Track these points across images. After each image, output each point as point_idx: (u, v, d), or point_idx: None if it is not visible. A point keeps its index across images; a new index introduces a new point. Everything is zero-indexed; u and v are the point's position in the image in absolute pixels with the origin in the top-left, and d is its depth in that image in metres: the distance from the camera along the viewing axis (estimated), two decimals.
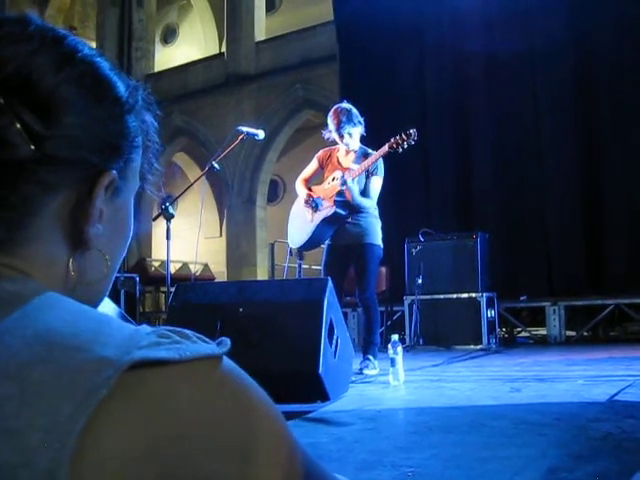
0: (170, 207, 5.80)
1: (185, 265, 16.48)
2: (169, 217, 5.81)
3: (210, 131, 18.34)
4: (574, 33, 9.52)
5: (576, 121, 9.54)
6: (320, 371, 3.86)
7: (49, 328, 0.55)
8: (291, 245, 6.04)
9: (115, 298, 10.97)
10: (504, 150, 9.91)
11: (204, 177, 19.97)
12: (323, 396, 3.95)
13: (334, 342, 4.13)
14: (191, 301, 4.28)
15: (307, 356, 3.88)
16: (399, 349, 4.94)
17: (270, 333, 3.98)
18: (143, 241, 19.53)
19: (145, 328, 0.57)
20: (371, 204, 5.66)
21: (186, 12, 23.07)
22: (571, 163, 9.48)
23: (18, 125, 0.61)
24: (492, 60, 9.96)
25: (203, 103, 18.40)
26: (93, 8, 21.26)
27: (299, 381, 3.92)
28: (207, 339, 0.58)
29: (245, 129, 5.66)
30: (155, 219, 6.00)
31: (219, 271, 18.20)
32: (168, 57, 22.37)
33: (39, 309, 0.57)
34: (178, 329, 0.58)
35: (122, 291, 10.99)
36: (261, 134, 5.69)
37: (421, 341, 8.16)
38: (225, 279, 17.98)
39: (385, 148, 5.57)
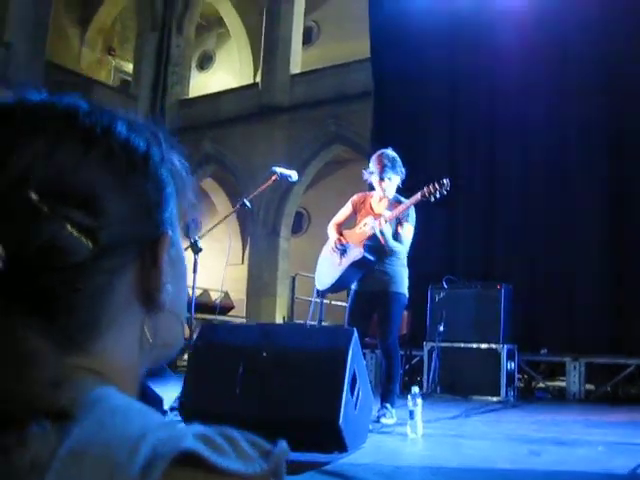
0: (199, 241, 5.84)
1: (206, 292, 16.52)
2: (197, 251, 5.84)
3: (240, 160, 18.47)
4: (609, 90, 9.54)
5: (606, 177, 9.52)
6: (340, 422, 3.84)
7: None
8: (318, 287, 6.05)
9: None
10: (531, 202, 9.89)
11: (229, 202, 19.98)
12: (341, 447, 3.94)
13: (356, 393, 4.11)
14: (215, 342, 4.29)
15: (328, 405, 3.87)
16: (419, 401, 4.92)
17: (292, 379, 3.97)
18: None
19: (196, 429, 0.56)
20: (402, 250, 5.67)
21: (223, 40, 23.36)
22: (599, 219, 9.43)
23: (69, 227, 0.59)
24: (524, 112, 9.99)
25: (234, 131, 18.53)
26: (132, 31, 21.58)
27: (318, 430, 3.90)
28: (262, 443, 0.58)
29: (279, 170, 5.70)
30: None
31: (238, 299, 18.21)
32: (203, 83, 22.61)
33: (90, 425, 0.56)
34: (228, 433, 0.57)
35: None
36: (294, 176, 5.72)
37: (438, 389, 8.10)
38: (244, 308, 18.00)
39: (417, 196, 5.58)
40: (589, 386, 8.77)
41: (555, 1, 10.02)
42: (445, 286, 8.48)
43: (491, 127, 10.44)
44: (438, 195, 5.56)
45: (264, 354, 4.07)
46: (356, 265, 5.74)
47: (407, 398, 4.92)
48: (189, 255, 5.88)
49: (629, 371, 8.44)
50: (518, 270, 9.60)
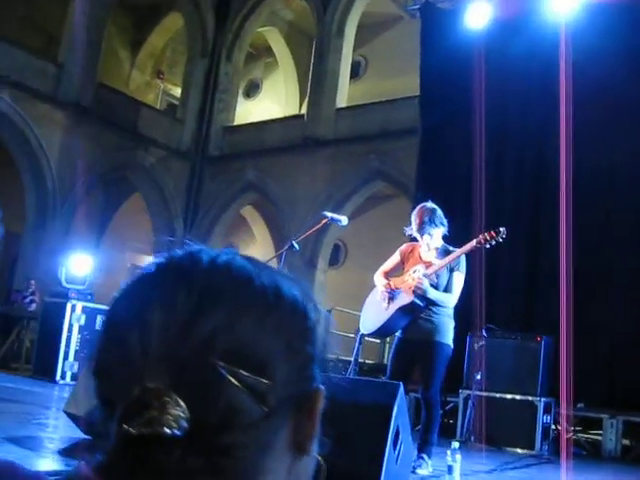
0: None
1: None
2: None
3: (281, 190, 18.58)
4: None
5: None
6: (382, 478, 3.83)
7: None
8: (362, 331, 6.06)
9: None
10: (574, 255, 9.80)
11: (267, 231, 20.09)
12: None
13: (398, 447, 4.10)
14: None
15: (370, 460, 3.87)
16: (458, 457, 4.88)
17: (335, 430, 3.96)
18: None
19: None
20: (451, 299, 5.64)
21: (271, 69, 23.61)
22: None
23: (247, 391, 0.63)
24: (573, 164, 9.94)
25: (277, 161, 18.67)
26: (182, 56, 21.91)
27: None
28: None
29: (330, 215, 5.74)
30: None
31: None
32: (248, 111, 22.86)
33: None
34: None
35: None
36: (344, 221, 5.76)
37: (472, 438, 8.03)
38: None
39: (472, 244, 5.56)
40: (625, 441, 8.63)
41: (610, 44, 9.93)
42: (485, 335, 8.43)
43: (537, 178, 10.41)
44: (494, 243, 5.54)
45: None
46: (403, 310, 5.72)
47: (446, 452, 4.89)
48: None
49: None
50: (557, 322, 9.50)
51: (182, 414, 0.62)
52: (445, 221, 5.80)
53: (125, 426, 0.63)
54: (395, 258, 6.04)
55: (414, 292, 5.64)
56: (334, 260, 20.39)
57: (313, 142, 18.23)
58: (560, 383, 8.52)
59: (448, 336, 5.73)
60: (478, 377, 8.08)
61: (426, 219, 5.68)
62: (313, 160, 18.08)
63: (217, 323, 0.65)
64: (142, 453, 0.63)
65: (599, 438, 8.78)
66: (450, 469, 4.86)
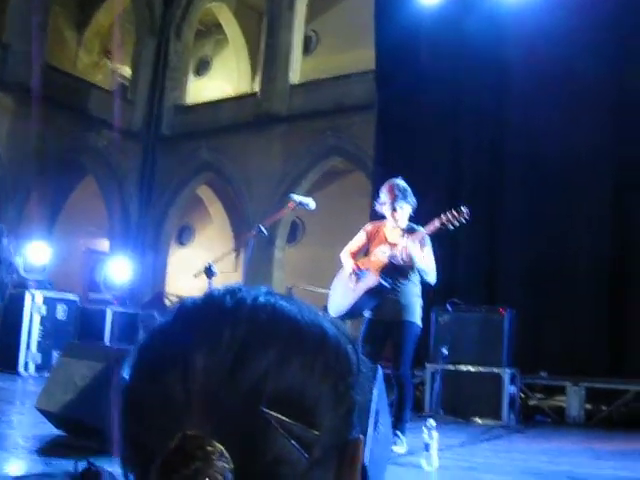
0: (213, 266, 5.84)
1: None
2: (211, 275, 5.85)
3: (237, 168, 18.47)
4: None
5: (609, 201, 9.60)
6: (367, 462, 3.85)
7: None
8: (331, 313, 6.05)
9: (134, 334, 10.98)
10: (532, 226, 9.94)
11: (224, 210, 19.97)
12: None
13: (378, 429, 4.13)
14: None
15: None
16: (434, 434, 4.95)
17: None
18: (158, 273, 19.58)
19: None
20: (432, 270, 5.65)
21: (221, 46, 23.31)
22: (600, 244, 9.51)
23: (294, 442, 0.60)
24: (530, 131, 10.04)
25: (232, 139, 18.53)
26: (130, 35, 21.51)
27: None
28: None
29: (298, 198, 5.69)
30: (197, 276, 6.02)
31: None
32: (199, 89, 22.57)
33: None
34: None
35: (141, 328, 11.00)
36: (312, 204, 5.71)
37: (441, 411, 8.13)
38: None
39: (435, 224, 5.57)
40: (587, 405, 8.82)
41: (563, 22, 10.00)
42: (449, 309, 8.51)
43: (495, 147, 10.49)
44: (457, 223, 5.55)
45: None
46: (371, 292, 5.75)
47: (422, 429, 4.95)
48: (203, 280, 5.89)
49: (630, 396, 8.50)
50: (518, 293, 9.65)
51: (227, 465, 0.58)
52: (414, 200, 5.82)
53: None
54: (361, 238, 6.04)
55: (380, 274, 5.67)
56: (292, 238, 20.37)
57: (267, 119, 18.12)
58: (523, 353, 8.69)
59: (417, 315, 5.78)
60: (444, 351, 8.17)
61: (399, 193, 5.69)
62: (268, 137, 17.98)
63: (264, 368, 0.61)
64: None
65: (561, 404, 8.97)
66: (427, 447, 4.92)
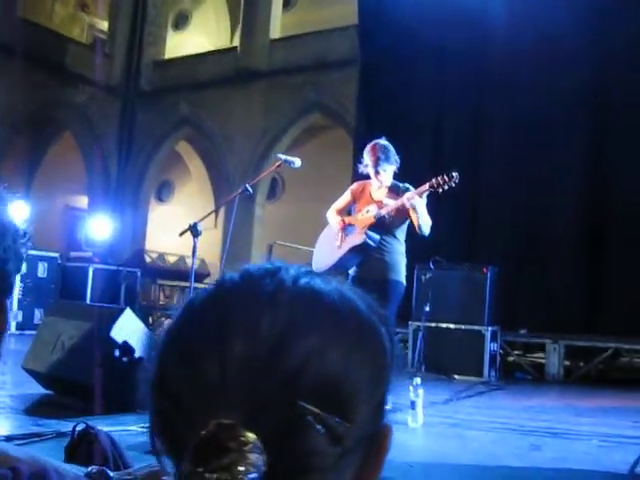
0: (198, 225, 5.82)
1: (182, 258, 16.47)
2: (197, 234, 5.83)
3: (216, 124, 18.32)
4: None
5: (587, 156, 9.66)
6: None
7: None
8: (315, 267, 6.06)
9: (116, 292, 10.97)
10: (514, 186, 9.98)
11: (204, 166, 19.78)
12: None
13: None
14: None
15: None
16: (420, 392, 5.01)
17: None
18: (138, 229, 19.48)
19: None
20: (428, 222, 5.62)
21: (200, 0, 22.93)
22: (577, 201, 9.60)
23: (323, 432, 0.59)
24: (512, 90, 10.02)
25: (211, 95, 18.34)
26: None
27: None
28: None
29: (283, 157, 5.68)
30: (182, 234, 6.00)
31: (211, 263, 18.16)
32: (178, 44, 22.24)
33: None
34: None
35: (123, 285, 10.97)
36: (298, 162, 5.70)
37: (423, 368, 8.23)
38: (218, 272, 17.95)
39: (426, 187, 5.58)
40: (566, 362, 8.96)
41: None
42: (431, 267, 8.56)
43: (478, 108, 10.47)
44: (446, 187, 5.56)
45: None
46: (356, 250, 5.76)
47: (409, 388, 5.01)
48: (189, 238, 5.87)
49: (608, 353, 8.64)
50: (498, 251, 9.72)
51: (260, 457, 0.56)
52: (398, 158, 5.81)
53: (200, 469, 0.56)
54: (347, 197, 6.04)
55: (366, 233, 5.69)
56: (271, 194, 20.31)
57: (247, 74, 17.93)
58: (503, 311, 8.79)
59: (402, 274, 5.81)
60: (427, 309, 8.23)
61: (382, 155, 5.67)
62: (248, 93, 17.81)
63: (303, 357, 0.60)
64: None
65: (541, 361, 9.10)
66: (413, 404, 4.99)
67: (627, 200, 9.19)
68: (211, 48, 21.11)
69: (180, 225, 5.92)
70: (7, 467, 0.87)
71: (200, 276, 15.25)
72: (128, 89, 19.73)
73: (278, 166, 5.77)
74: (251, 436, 0.57)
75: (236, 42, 19.62)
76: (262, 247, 17.13)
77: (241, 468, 0.55)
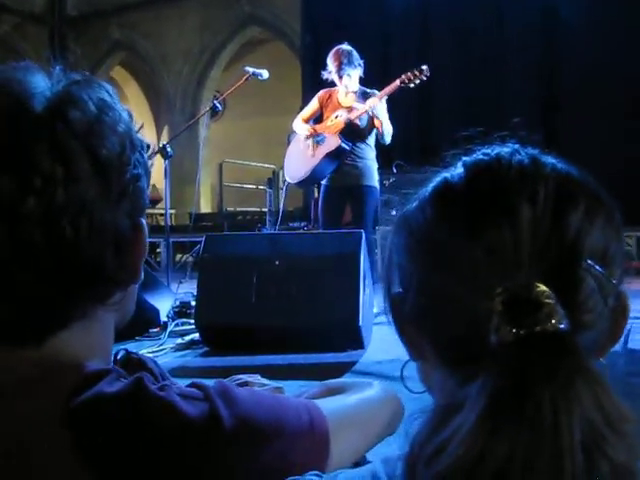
0: (168, 146, 5.75)
1: None
2: (167, 157, 5.77)
3: (151, 45, 17.78)
4: None
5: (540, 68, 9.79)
6: (360, 323, 4.00)
7: None
8: (289, 180, 6.09)
9: None
10: (465, 77, 10.04)
11: (141, 90, 19.16)
12: (359, 345, 4.11)
13: (366, 293, 4.26)
14: (224, 253, 4.31)
15: (347, 309, 4.01)
16: None
17: (308, 286, 4.07)
18: None
19: None
20: (389, 127, 5.66)
21: None
22: (533, 85, 9.77)
23: (598, 292, 0.61)
24: None
25: (144, 16, 17.72)
26: None
27: (337, 332, 4.05)
28: None
29: (251, 69, 5.62)
30: (150, 157, 5.92)
31: (161, 188, 17.92)
32: None
33: None
34: None
35: None
36: (265, 74, 5.64)
37: None
38: (168, 198, 17.75)
39: (396, 83, 5.59)
40: None
41: None
42: (394, 171, 8.59)
43: (424, 13, 10.41)
44: (417, 82, 5.59)
45: (277, 262, 4.13)
46: (331, 155, 5.76)
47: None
48: (159, 161, 5.80)
49: None
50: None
51: (562, 310, 0.58)
52: (362, 62, 5.78)
53: (518, 326, 0.57)
54: (313, 105, 6.02)
55: (340, 137, 5.69)
56: (214, 113, 19.93)
57: None
58: None
59: (374, 178, 5.88)
60: (393, 213, 8.31)
61: (345, 60, 5.64)
62: (181, 11, 17.26)
63: (579, 221, 0.62)
64: (542, 355, 0.56)
65: None
66: None
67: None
68: None
69: (154, 149, 5.83)
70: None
71: (153, 202, 15.11)
72: (54, 15, 18.94)
73: (246, 79, 5.69)
74: (553, 295, 0.58)
75: None
76: (211, 167, 16.96)
77: (556, 319, 0.57)
